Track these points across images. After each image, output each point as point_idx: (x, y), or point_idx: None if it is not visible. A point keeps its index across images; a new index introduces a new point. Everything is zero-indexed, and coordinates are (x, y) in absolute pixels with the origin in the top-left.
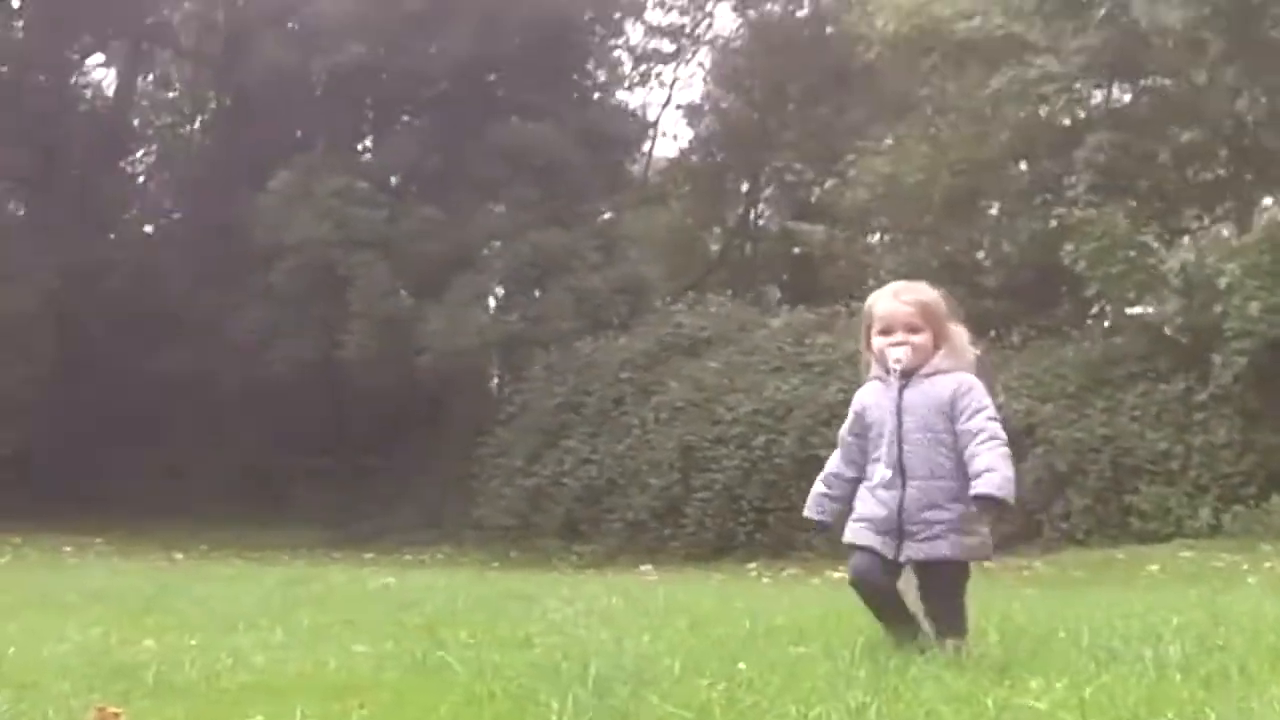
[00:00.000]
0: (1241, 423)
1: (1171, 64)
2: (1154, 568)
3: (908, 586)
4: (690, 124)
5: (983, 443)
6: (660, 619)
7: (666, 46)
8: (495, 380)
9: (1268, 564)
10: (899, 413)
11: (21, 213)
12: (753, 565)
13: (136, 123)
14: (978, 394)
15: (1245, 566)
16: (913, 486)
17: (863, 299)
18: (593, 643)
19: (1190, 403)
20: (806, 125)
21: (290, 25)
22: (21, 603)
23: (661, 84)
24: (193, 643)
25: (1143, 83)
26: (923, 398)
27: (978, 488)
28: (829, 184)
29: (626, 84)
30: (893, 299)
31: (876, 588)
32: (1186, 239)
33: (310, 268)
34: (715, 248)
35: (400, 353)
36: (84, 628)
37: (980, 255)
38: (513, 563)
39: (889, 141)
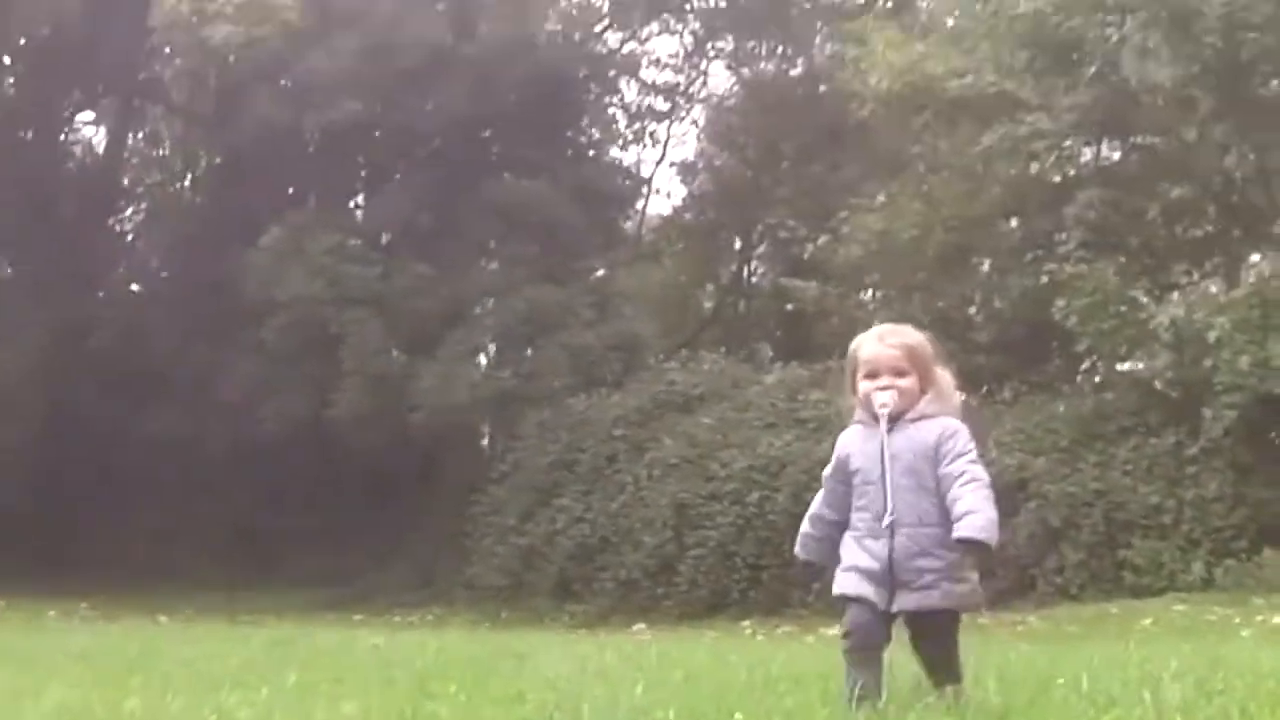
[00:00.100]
0: (1233, 476)
1: (1161, 121)
2: (1147, 621)
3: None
4: (684, 181)
5: (964, 484)
6: (654, 673)
7: (661, 104)
8: (488, 438)
9: (1260, 617)
10: (883, 459)
11: (9, 270)
12: (747, 623)
13: (126, 180)
14: (962, 438)
15: (1238, 620)
16: (901, 534)
17: None
18: (586, 696)
19: (1181, 457)
20: (800, 182)
21: (283, 82)
22: (1, 663)
23: (656, 142)
24: (177, 703)
25: (1133, 140)
26: (909, 443)
27: (960, 531)
28: (822, 241)
29: (621, 141)
30: (878, 342)
31: (871, 638)
32: (1176, 294)
33: (302, 325)
34: (708, 304)
35: (392, 410)
36: (66, 688)
37: (972, 311)
38: (504, 622)
39: (882, 198)
